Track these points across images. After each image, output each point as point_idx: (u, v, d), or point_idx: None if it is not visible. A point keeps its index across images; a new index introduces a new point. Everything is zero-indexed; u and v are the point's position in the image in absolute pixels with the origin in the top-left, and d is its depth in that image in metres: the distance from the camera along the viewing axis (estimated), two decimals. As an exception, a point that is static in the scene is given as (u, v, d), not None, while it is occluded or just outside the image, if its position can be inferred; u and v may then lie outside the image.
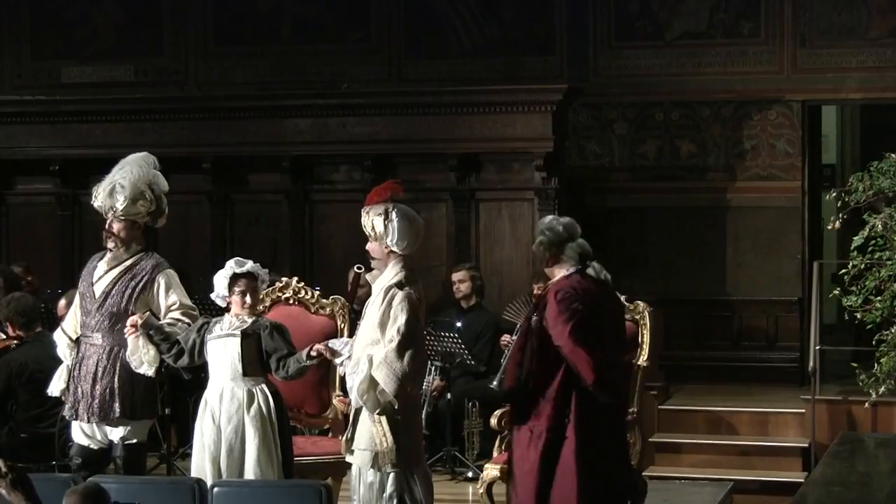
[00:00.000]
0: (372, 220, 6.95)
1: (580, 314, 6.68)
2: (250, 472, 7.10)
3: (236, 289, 7.32)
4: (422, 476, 6.93)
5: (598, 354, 6.64)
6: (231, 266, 7.37)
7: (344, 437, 7.20)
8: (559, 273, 6.89)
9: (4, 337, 9.39)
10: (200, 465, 7.22)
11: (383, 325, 6.85)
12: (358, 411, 6.94)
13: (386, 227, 6.90)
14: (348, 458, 7.02)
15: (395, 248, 6.93)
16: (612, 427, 6.87)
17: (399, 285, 6.87)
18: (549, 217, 7.12)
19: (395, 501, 6.86)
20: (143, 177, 7.73)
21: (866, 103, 13.30)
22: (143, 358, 7.46)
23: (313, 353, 7.15)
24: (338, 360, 7.12)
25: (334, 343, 7.18)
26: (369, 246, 7.02)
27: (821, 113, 13.07)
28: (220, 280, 7.36)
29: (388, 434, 6.81)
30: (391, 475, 6.85)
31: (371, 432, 6.86)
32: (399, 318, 6.79)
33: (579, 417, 6.68)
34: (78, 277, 8.07)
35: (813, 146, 12.64)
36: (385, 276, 6.96)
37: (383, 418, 6.80)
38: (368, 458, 6.87)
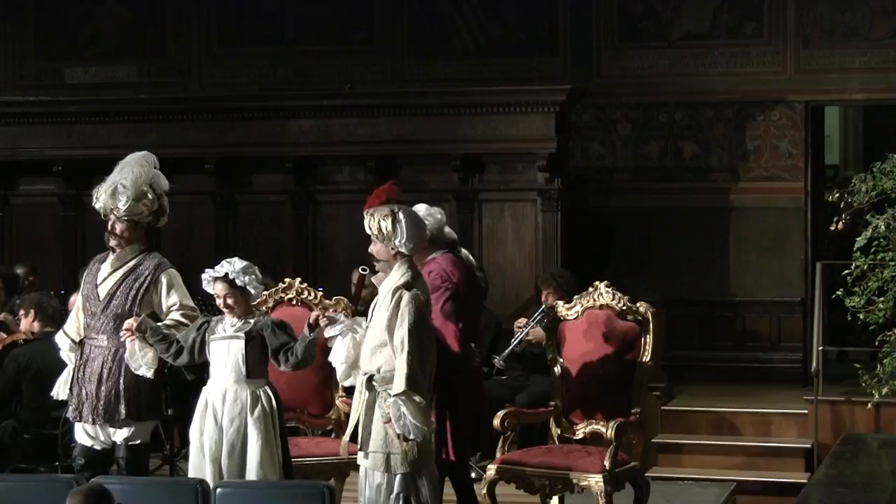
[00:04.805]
0: (378, 221, 6.96)
1: (451, 291, 7.59)
2: (252, 474, 7.10)
3: (214, 292, 7.31)
4: (429, 478, 6.94)
5: (461, 328, 7.60)
6: (210, 270, 7.32)
7: (345, 438, 7.24)
8: (432, 254, 7.70)
9: (5, 336, 9.43)
10: (199, 465, 7.20)
11: (391, 328, 6.86)
12: (368, 415, 6.96)
13: (395, 228, 6.92)
14: (360, 461, 7.04)
15: (402, 249, 6.95)
16: (466, 385, 7.64)
17: (406, 286, 6.90)
18: (423, 205, 7.78)
19: (401, 502, 6.87)
20: (144, 176, 7.73)
21: (869, 104, 13.32)
22: (140, 361, 7.46)
23: (311, 322, 7.16)
24: (327, 333, 7.14)
25: (330, 313, 7.23)
26: (374, 248, 7.03)
27: (824, 114, 13.06)
28: (203, 282, 7.34)
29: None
30: (398, 476, 6.86)
31: (384, 434, 6.87)
32: (406, 321, 6.81)
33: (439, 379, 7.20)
34: (81, 278, 8.07)
35: (816, 147, 12.64)
36: (392, 278, 6.97)
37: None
38: (381, 460, 6.89)
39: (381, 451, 6.89)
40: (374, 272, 7.14)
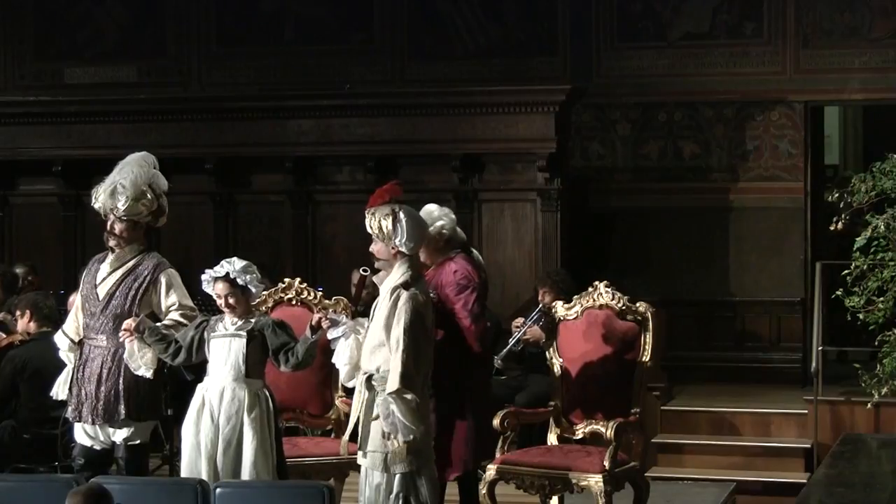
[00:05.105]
0: (379, 220, 6.97)
1: (477, 291, 7.69)
2: (246, 474, 7.10)
3: (215, 292, 7.29)
4: (429, 478, 6.94)
5: (487, 328, 7.88)
6: (210, 270, 7.31)
7: (345, 438, 7.24)
8: (449, 253, 7.76)
9: (3, 336, 9.44)
10: (194, 462, 7.18)
11: (388, 326, 6.87)
12: (367, 414, 6.96)
13: (395, 227, 6.93)
14: (359, 461, 7.04)
15: (402, 249, 6.96)
16: (484, 389, 7.91)
17: (405, 286, 6.90)
18: (434, 205, 7.83)
19: (400, 502, 6.87)
20: (143, 176, 7.74)
21: (869, 104, 13.31)
22: (139, 361, 7.45)
23: (314, 324, 7.16)
24: (331, 334, 7.14)
25: (332, 315, 7.23)
26: (374, 247, 7.04)
27: (823, 114, 13.06)
28: (204, 281, 7.34)
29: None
30: (398, 476, 6.86)
31: (382, 434, 6.87)
32: (402, 320, 6.82)
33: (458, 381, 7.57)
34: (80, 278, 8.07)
35: (815, 147, 12.64)
36: (392, 277, 6.98)
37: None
38: (379, 459, 6.89)
39: (380, 450, 6.90)
40: (374, 273, 7.15)
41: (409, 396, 6.75)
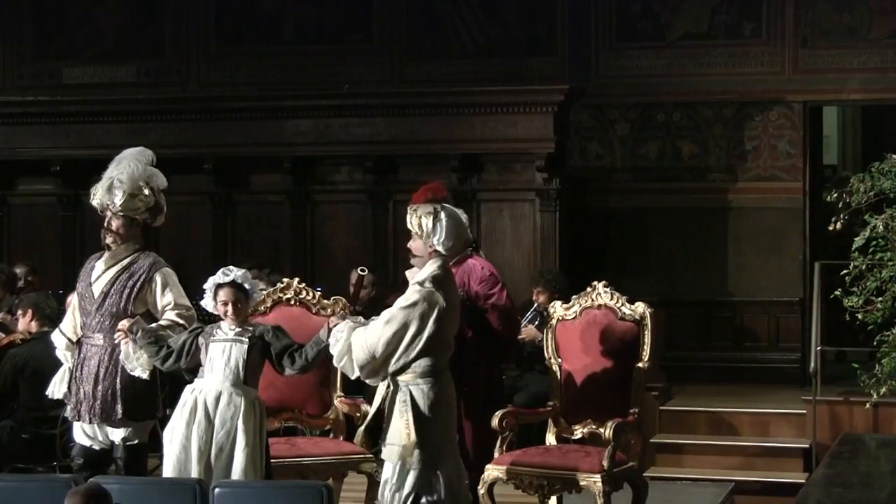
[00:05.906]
0: (420, 217, 7.02)
1: (505, 288, 7.88)
2: (236, 479, 7.08)
3: (218, 299, 7.27)
4: (447, 477, 6.88)
5: (518, 322, 8.30)
6: (214, 277, 7.30)
7: (360, 430, 7.41)
8: (462, 253, 7.76)
9: (3, 336, 9.44)
10: (182, 464, 7.13)
11: None
12: (390, 408, 6.96)
13: (435, 226, 6.96)
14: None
15: (439, 248, 7.00)
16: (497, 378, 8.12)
17: (421, 283, 6.90)
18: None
19: (411, 500, 6.85)
20: (140, 171, 7.70)
21: (868, 104, 13.32)
22: (135, 362, 7.44)
23: (331, 327, 7.15)
24: None
25: (351, 319, 7.22)
26: (412, 244, 7.09)
27: (822, 114, 13.07)
28: (206, 290, 7.32)
29: (413, 429, 6.82)
30: (411, 473, 6.85)
31: (398, 428, 6.88)
32: (399, 303, 6.85)
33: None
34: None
35: (814, 147, 12.65)
36: (422, 273, 7.00)
37: (409, 412, 6.83)
38: (395, 452, 6.89)
39: (397, 443, 6.89)
40: (403, 271, 7.17)
41: (350, 359, 6.87)
